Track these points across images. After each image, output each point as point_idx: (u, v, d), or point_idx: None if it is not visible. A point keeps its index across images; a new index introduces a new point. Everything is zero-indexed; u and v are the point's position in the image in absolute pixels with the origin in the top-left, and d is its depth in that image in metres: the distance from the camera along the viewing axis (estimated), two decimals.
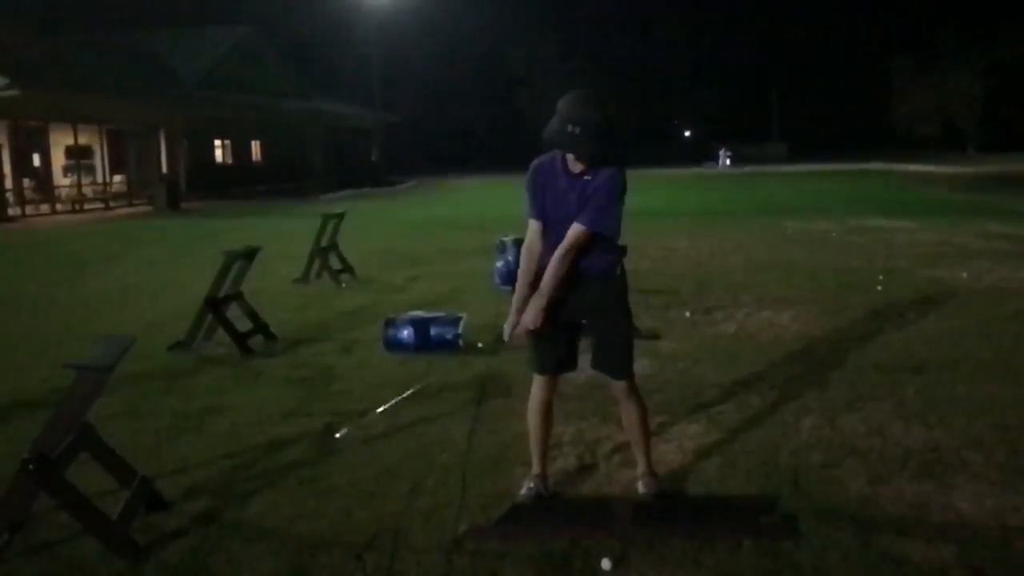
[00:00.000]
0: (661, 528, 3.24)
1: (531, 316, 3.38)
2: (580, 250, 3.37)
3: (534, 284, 3.42)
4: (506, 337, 3.48)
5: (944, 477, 3.72)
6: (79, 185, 26.55)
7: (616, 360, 3.54)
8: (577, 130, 3.22)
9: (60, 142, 26.57)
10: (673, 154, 61.76)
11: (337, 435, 4.35)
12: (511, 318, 3.45)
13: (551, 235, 3.43)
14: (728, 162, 52.83)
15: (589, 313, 3.51)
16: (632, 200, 3.54)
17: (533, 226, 3.47)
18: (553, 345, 3.52)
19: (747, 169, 45.50)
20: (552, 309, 3.46)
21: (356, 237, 12.54)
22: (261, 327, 6.71)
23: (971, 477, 3.71)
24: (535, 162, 3.49)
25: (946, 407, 4.64)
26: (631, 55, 68.68)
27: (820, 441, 4.18)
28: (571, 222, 3.34)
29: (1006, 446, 4.06)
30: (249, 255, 6.79)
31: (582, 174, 3.34)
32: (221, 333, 6.44)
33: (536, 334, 3.48)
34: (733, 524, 3.28)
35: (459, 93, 66.01)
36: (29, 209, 24.00)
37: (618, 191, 3.33)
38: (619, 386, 3.56)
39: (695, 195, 26.29)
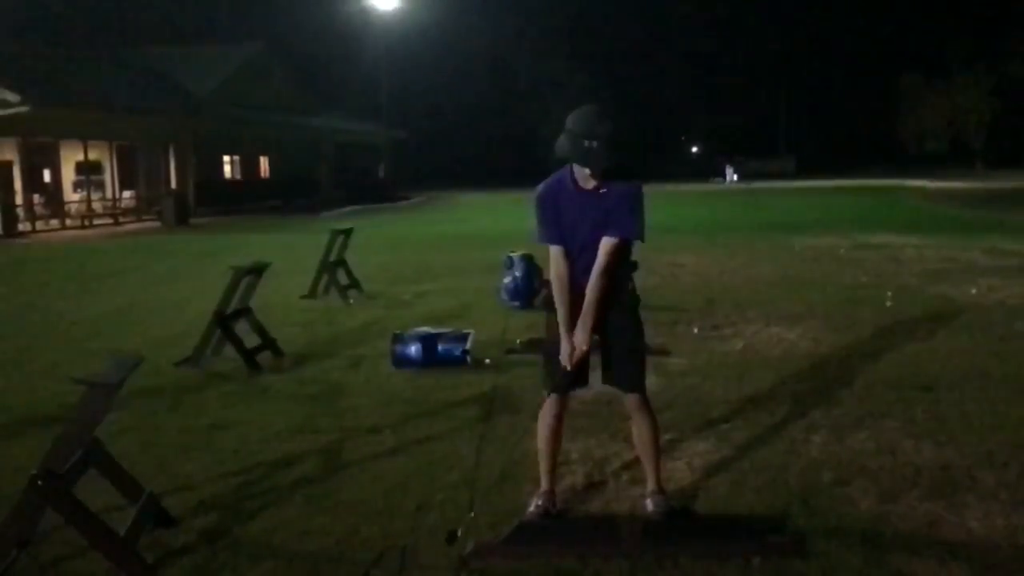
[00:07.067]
0: (670, 546, 3.22)
1: (582, 338, 3.41)
2: (618, 262, 3.39)
3: (574, 304, 3.43)
4: (568, 366, 3.45)
5: (955, 495, 3.69)
6: (89, 201, 26.70)
7: (629, 373, 3.54)
8: (594, 145, 3.23)
9: (70, 158, 26.74)
10: (680, 169, 61.78)
11: (459, 532, 3.72)
12: (564, 346, 3.43)
13: (573, 255, 3.45)
14: (735, 177, 52.82)
15: (602, 327, 3.51)
16: None
17: (556, 252, 3.47)
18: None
19: (754, 184, 45.49)
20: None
21: (364, 253, 12.56)
22: (269, 343, 6.71)
23: (982, 495, 3.68)
24: (542, 188, 3.49)
25: (956, 425, 4.62)
26: (639, 70, 68.90)
27: (829, 459, 4.16)
28: (594, 238, 3.36)
29: (1017, 464, 4.03)
30: (258, 270, 6.80)
31: (597, 188, 3.35)
32: (229, 349, 6.45)
33: (553, 351, 3.50)
34: (742, 542, 3.26)
35: (468, 109, 66.20)
36: (39, 224, 24.11)
37: (639, 200, 3.38)
38: (632, 399, 3.56)
39: (702, 211, 26.28)
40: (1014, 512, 3.51)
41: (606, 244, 3.35)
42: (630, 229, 3.37)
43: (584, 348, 3.41)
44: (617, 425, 4.51)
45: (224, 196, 31.73)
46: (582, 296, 3.43)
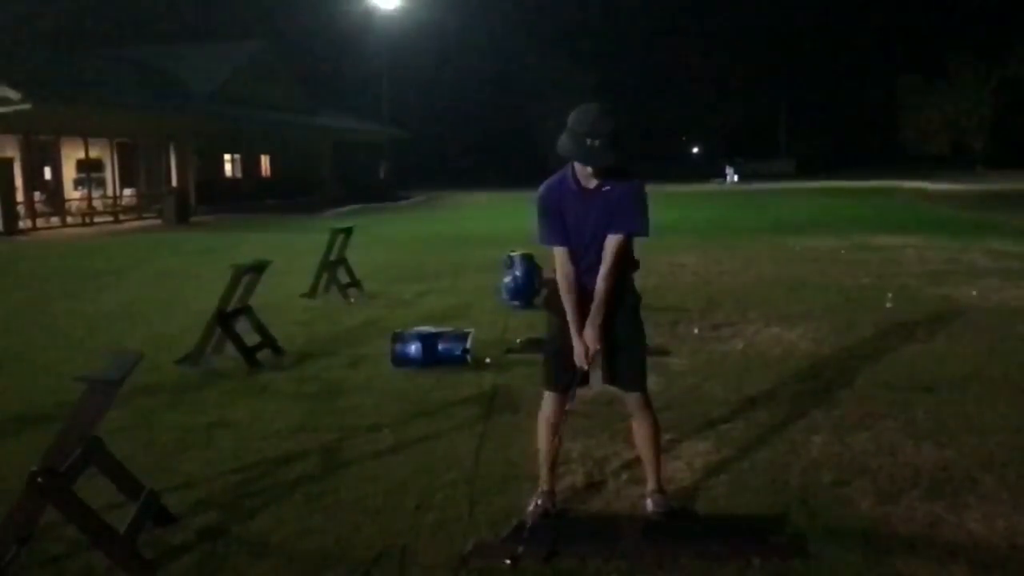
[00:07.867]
0: (669, 546, 3.22)
1: (593, 337, 3.40)
2: (625, 259, 3.40)
3: (582, 304, 3.43)
4: (584, 366, 3.45)
5: (955, 497, 3.69)
6: (89, 198, 26.67)
7: (631, 372, 3.54)
8: (597, 143, 3.22)
9: (71, 155, 26.73)
10: (681, 170, 61.73)
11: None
12: (578, 347, 3.42)
13: (578, 254, 3.44)
14: (735, 178, 52.80)
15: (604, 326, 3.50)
16: None
17: (561, 253, 3.45)
18: (567, 361, 3.50)
19: (755, 186, 45.46)
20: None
21: (364, 252, 12.57)
22: (269, 341, 6.72)
23: (982, 497, 3.68)
24: (543, 188, 3.47)
25: (956, 426, 4.62)
26: (640, 71, 68.96)
27: (829, 459, 4.16)
28: (598, 236, 3.37)
29: (1017, 466, 4.03)
30: (258, 268, 6.80)
31: (599, 187, 3.35)
32: (229, 347, 6.45)
33: (554, 350, 3.50)
34: (742, 543, 3.26)
35: (469, 108, 66.20)
36: (39, 222, 24.10)
37: (642, 196, 3.39)
38: (633, 398, 3.56)
39: (703, 211, 26.25)
40: (1014, 513, 3.51)
41: (612, 241, 3.35)
42: (635, 225, 3.38)
43: (596, 347, 3.41)
44: (617, 425, 4.51)
45: (225, 195, 31.70)
46: (586, 295, 3.43)
